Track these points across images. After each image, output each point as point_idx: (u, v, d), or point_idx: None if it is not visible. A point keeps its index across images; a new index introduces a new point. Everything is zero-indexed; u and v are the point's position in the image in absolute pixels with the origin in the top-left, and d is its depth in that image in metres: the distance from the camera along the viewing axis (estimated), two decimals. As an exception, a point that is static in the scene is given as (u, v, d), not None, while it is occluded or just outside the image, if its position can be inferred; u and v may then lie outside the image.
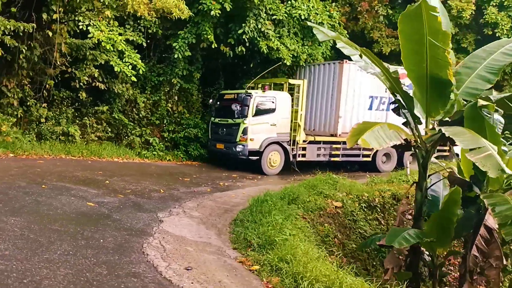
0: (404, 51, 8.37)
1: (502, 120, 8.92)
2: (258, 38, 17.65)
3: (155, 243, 7.72)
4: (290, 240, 8.03)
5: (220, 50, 17.84)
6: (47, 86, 14.77)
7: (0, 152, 12.84)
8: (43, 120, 15.45)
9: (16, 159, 12.94)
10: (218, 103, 17.47)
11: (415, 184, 9.32)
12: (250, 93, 16.35)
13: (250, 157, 16.35)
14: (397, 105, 9.68)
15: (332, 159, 17.93)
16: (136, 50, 17.21)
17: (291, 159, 16.97)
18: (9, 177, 10.58)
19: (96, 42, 15.62)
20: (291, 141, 16.94)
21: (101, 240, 7.37)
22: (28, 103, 14.59)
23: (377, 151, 17.75)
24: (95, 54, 15.65)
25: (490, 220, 8.46)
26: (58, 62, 15.17)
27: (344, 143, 16.15)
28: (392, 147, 8.52)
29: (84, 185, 11.13)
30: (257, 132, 16.38)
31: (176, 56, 17.41)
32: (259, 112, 16.38)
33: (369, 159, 18.31)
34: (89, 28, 15.51)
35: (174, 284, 6.10)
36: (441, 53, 7.82)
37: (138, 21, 17.54)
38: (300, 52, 18.55)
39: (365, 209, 12.53)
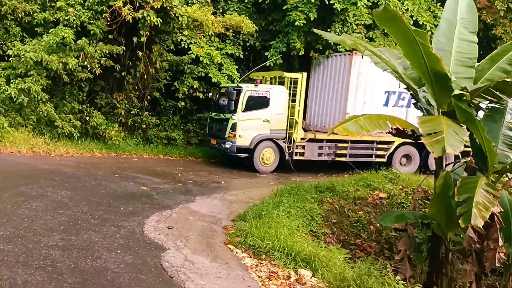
0: (403, 50, 8.89)
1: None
2: (343, 43, 18.82)
3: (166, 213, 9.84)
4: (275, 214, 9.58)
5: (310, 57, 19.44)
6: (148, 97, 17.90)
7: (104, 152, 16.19)
8: (151, 126, 18.69)
9: (116, 157, 16.08)
10: (217, 96, 17.03)
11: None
12: (241, 87, 15.94)
13: (238, 154, 15.92)
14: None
15: (338, 158, 16.86)
16: (234, 62, 19.67)
17: (286, 157, 16.32)
18: (95, 168, 13.55)
19: (194, 57, 18.39)
20: (287, 139, 16.25)
21: (121, 208, 9.73)
22: (132, 112, 17.89)
23: (394, 150, 16.89)
24: (192, 68, 18.45)
25: None
26: (162, 77, 18.31)
27: (352, 141, 16.57)
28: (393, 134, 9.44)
29: (154, 175, 13.68)
30: (247, 128, 15.80)
31: (268, 64, 19.47)
32: (250, 107, 15.83)
33: (384, 159, 16.86)
34: (190, 45, 18.40)
35: (145, 235, 8.18)
36: (430, 49, 8.67)
37: (238, 36, 20.05)
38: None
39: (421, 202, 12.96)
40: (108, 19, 14.74)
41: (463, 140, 8.08)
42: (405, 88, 10.33)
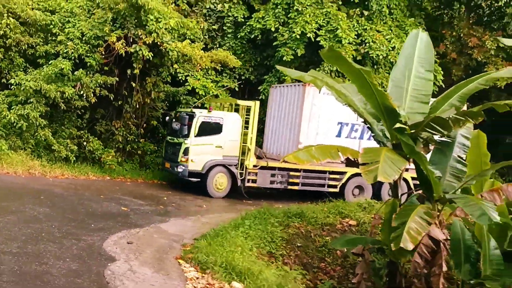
0: (356, 86, 9.39)
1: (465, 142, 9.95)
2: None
3: (134, 231, 10.50)
4: (232, 234, 10.14)
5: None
6: (144, 125, 18.77)
7: (99, 175, 16.99)
8: (149, 152, 19.49)
9: (109, 180, 16.82)
10: (174, 120, 17.03)
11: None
12: (194, 112, 16.11)
13: (190, 179, 15.99)
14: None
15: (290, 187, 16.80)
16: (230, 94, 20.47)
17: (238, 183, 16.32)
18: (84, 190, 14.30)
19: (190, 88, 19.22)
20: (240, 165, 16.27)
21: (92, 225, 10.41)
22: (129, 139, 18.73)
23: (347, 181, 16.84)
24: (188, 98, 19.31)
25: (435, 231, 9.34)
26: (159, 106, 19.19)
27: (305, 170, 16.52)
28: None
29: (140, 198, 14.34)
30: (200, 153, 15.91)
31: (261, 97, 20.19)
32: (203, 132, 15.95)
33: (337, 190, 16.77)
34: (187, 78, 19.27)
35: (102, 248, 8.84)
36: (377, 86, 9.26)
37: (234, 70, 20.88)
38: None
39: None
40: (103, 52, 15.66)
41: (399, 170, 8.64)
42: (363, 122, 10.83)
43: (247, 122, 16.28)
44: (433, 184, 9.18)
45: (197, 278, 8.12)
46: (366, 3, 20.07)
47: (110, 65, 16.29)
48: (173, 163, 16.32)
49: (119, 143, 18.36)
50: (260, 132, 18.84)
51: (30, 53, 16.06)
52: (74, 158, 16.69)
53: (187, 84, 19.02)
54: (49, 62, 15.63)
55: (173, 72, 18.49)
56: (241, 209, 14.56)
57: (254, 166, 16.27)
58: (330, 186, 16.80)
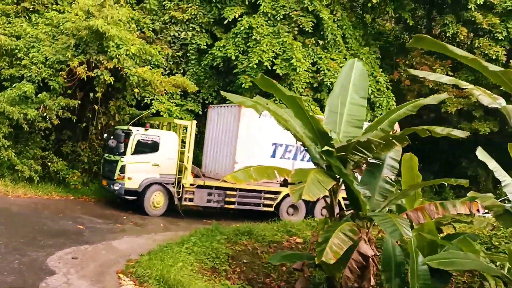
0: (292, 111, 10.00)
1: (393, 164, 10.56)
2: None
3: (83, 247, 10.88)
4: (175, 250, 10.57)
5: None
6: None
7: (62, 195, 17.24)
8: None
9: (73, 200, 17.00)
10: (111, 138, 16.76)
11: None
12: (130, 130, 16.05)
13: (126, 197, 15.86)
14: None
15: (227, 206, 16.92)
16: (194, 117, 20.90)
17: (175, 202, 16.26)
18: (44, 208, 14.59)
19: (155, 111, 19.65)
20: (177, 184, 16.21)
21: (42, 242, 10.76)
22: (94, 160, 19.05)
23: (281, 200, 16.95)
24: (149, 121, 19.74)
25: (364, 247, 9.82)
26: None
27: (241, 190, 16.58)
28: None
29: (99, 217, 14.65)
30: (136, 171, 15.79)
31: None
32: (140, 150, 15.96)
33: (271, 209, 16.96)
34: (152, 101, 19.70)
35: (45, 263, 9.21)
36: (309, 112, 9.80)
37: (198, 94, 21.36)
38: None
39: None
40: (65, 76, 16.13)
41: (325, 189, 9.20)
42: (301, 145, 11.37)
43: (184, 141, 16.33)
44: (361, 203, 9.70)
45: (131, 291, 8.52)
46: (322, 33, 20.86)
47: (74, 88, 16.72)
48: (110, 180, 16.15)
49: (85, 163, 18.67)
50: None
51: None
52: (38, 178, 16.95)
53: (151, 107, 19.47)
54: (13, 85, 15.97)
55: (138, 96, 18.94)
56: (198, 227, 15.04)
57: (191, 184, 16.24)
58: (265, 205, 16.94)
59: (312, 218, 16.17)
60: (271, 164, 14.99)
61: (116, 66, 16.25)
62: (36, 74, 16.11)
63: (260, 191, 16.84)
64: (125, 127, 16.63)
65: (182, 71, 20.98)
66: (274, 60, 19.59)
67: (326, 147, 10.04)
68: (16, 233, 11.08)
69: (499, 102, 8.28)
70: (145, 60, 18.16)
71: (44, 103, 15.73)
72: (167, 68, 20.46)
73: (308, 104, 19.91)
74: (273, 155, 17.17)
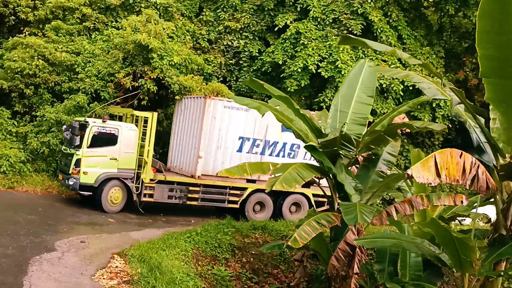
0: (291, 110, 11.08)
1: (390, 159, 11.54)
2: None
3: (99, 235, 12.90)
4: (172, 238, 12.24)
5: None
6: (160, 151, 21.41)
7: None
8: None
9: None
10: (65, 129, 16.58)
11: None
12: (87, 122, 15.72)
13: (81, 192, 15.73)
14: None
15: (189, 202, 16.71)
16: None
17: (134, 198, 16.03)
18: (86, 204, 17.03)
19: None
20: (136, 179, 16.01)
21: (64, 229, 12.96)
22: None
23: (247, 197, 16.98)
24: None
25: (351, 237, 10.81)
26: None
27: (205, 185, 16.58)
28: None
29: (136, 213, 16.79)
30: (92, 165, 15.55)
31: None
32: (96, 143, 15.65)
33: (237, 206, 16.89)
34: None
35: (53, 244, 11.31)
36: (299, 110, 10.93)
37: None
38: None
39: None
40: (113, 87, 18.61)
41: (303, 180, 10.34)
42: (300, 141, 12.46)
43: (145, 134, 16.11)
44: (349, 194, 10.49)
45: (116, 266, 10.30)
46: (375, 34, 21.51)
47: (122, 97, 19.11)
48: (65, 175, 15.99)
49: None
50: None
51: (57, 90, 19.29)
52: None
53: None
54: (70, 97, 18.75)
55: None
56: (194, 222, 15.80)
57: (151, 180, 16.03)
58: (230, 202, 16.89)
59: (280, 216, 16.90)
60: (237, 158, 16.70)
61: (159, 76, 18.36)
62: (89, 86, 18.76)
63: (225, 187, 16.79)
64: (82, 119, 16.36)
65: (235, 78, 22.77)
66: (319, 64, 20.67)
67: (311, 143, 11.21)
68: (43, 222, 13.31)
69: (449, 94, 9.01)
70: (193, 69, 20.12)
71: (95, 112, 18.26)
72: (220, 76, 22.36)
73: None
74: (240, 150, 17.01)
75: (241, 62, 22.96)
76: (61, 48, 19.65)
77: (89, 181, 15.51)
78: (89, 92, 18.82)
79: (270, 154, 17.22)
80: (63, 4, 20.69)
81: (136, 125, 16.55)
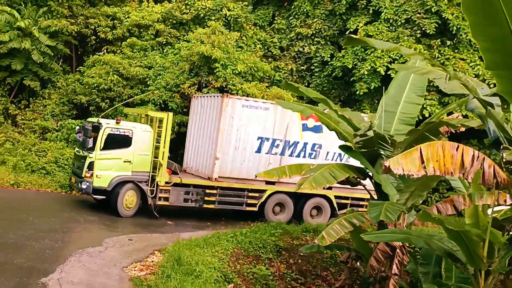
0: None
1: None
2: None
3: (150, 235, 14.22)
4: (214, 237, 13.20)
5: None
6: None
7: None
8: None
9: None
10: (78, 131, 16.57)
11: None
12: (100, 123, 15.56)
13: (94, 196, 15.74)
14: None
15: (206, 205, 16.55)
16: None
17: (149, 202, 15.95)
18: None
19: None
20: (151, 182, 15.91)
21: (119, 229, 14.42)
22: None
23: (266, 199, 16.81)
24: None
25: None
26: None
27: (222, 188, 16.43)
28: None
29: (197, 216, 18.00)
30: (106, 168, 15.47)
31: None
32: (110, 145, 15.50)
33: (255, 208, 16.76)
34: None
35: (103, 240, 12.75)
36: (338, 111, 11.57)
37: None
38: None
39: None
40: (178, 97, 20.11)
41: (334, 180, 10.75)
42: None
43: (160, 135, 16.04)
44: (389, 194, 10.84)
45: (152, 261, 11.49)
46: (454, 33, 21.16)
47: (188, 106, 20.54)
48: (78, 178, 15.92)
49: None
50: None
51: (130, 102, 21.23)
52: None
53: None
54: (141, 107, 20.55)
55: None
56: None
57: (167, 182, 15.97)
58: (249, 204, 16.72)
59: (300, 219, 16.82)
60: (256, 159, 16.80)
61: (222, 84, 19.59)
62: (158, 97, 20.43)
63: (243, 190, 16.67)
64: (95, 120, 16.26)
65: (306, 84, 23.45)
66: (389, 65, 20.79)
67: (345, 143, 11.64)
68: (101, 222, 14.82)
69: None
70: (259, 77, 21.14)
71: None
72: (291, 82, 23.13)
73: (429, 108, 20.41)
74: (258, 150, 16.80)
75: (312, 67, 23.60)
76: (135, 63, 21.56)
77: (102, 185, 15.46)
78: (158, 103, 20.41)
79: (290, 155, 17.08)
80: (139, 22, 22.68)
81: (151, 126, 16.55)
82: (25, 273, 9.77)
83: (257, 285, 12.44)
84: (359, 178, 12.06)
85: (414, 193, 11.31)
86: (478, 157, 8.05)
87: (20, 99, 22.64)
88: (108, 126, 15.60)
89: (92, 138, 15.34)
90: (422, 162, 7.69)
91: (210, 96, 17.68)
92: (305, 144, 17.27)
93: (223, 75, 19.69)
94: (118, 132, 15.67)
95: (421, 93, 11.93)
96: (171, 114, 16.52)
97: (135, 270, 10.77)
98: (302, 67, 23.75)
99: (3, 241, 11.56)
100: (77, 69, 23.14)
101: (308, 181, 10.63)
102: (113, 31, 22.94)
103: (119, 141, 15.64)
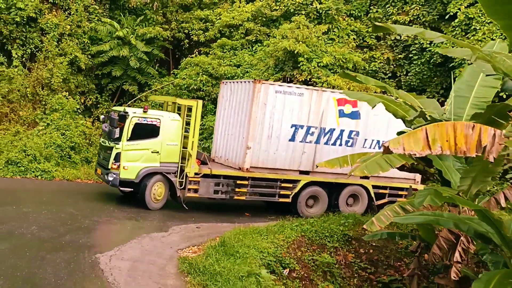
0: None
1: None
2: None
3: (220, 224, 15.19)
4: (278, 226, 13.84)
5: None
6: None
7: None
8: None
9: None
10: (104, 121, 16.51)
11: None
12: (127, 112, 15.34)
13: (121, 188, 15.62)
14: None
15: (236, 197, 16.38)
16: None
17: (178, 194, 15.73)
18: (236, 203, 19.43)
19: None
20: (179, 173, 15.74)
21: (193, 219, 15.53)
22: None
23: (300, 190, 16.48)
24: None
25: None
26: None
27: (254, 179, 16.21)
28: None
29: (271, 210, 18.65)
30: (133, 159, 15.34)
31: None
32: (137, 135, 15.34)
33: (289, 200, 16.50)
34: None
35: (169, 226, 13.94)
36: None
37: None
38: None
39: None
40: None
41: (390, 166, 11.27)
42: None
43: (188, 124, 15.84)
44: (452, 181, 11.06)
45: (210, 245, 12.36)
46: None
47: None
48: (104, 169, 15.88)
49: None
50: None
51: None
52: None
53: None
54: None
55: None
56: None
57: (196, 174, 15.79)
58: (281, 196, 16.56)
59: (337, 210, 16.57)
60: (290, 148, 16.58)
61: (307, 78, 20.20)
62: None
63: (276, 180, 16.49)
64: (121, 109, 16.06)
65: (405, 73, 23.24)
66: (490, 50, 20.05)
67: (401, 129, 11.83)
68: (171, 214, 15.78)
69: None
70: (349, 68, 21.43)
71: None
72: (387, 72, 23.12)
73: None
74: (292, 139, 16.50)
75: (411, 55, 23.31)
76: (225, 62, 22.90)
77: (130, 177, 15.35)
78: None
79: (326, 143, 16.82)
80: (229, 22, 24.07)
81: (179, 114, 16.35)
82: (84, 250, 11.22)
83: (318, 271, 12.90)
84: (423, 165, 12.11)
85: (476, 179, 11.12)
86: (500, 135, 7.88)
87: (121, 103, 24.83)
88: (135, 115, 15.46)
89: (118, 128, 15.24)
90: (428, 142, 7.75)
91: (241, 82, 17.47)
92: (342, 131, 16.93)
93: (307, 68, 20.28)
94: (145, 122, 15.53)
95: (498, 76, 11.63)
96: (200, 101, 16.24)
97: (189, 252, 11.73)
98: (399, 56, 23.55)
99: (78, 225, 13.25)
100: (172, 72, 24.99)
101: (359, 168, 10.95)
102: (205, 33, 24.53)
103: (146, 131, 15.52)
